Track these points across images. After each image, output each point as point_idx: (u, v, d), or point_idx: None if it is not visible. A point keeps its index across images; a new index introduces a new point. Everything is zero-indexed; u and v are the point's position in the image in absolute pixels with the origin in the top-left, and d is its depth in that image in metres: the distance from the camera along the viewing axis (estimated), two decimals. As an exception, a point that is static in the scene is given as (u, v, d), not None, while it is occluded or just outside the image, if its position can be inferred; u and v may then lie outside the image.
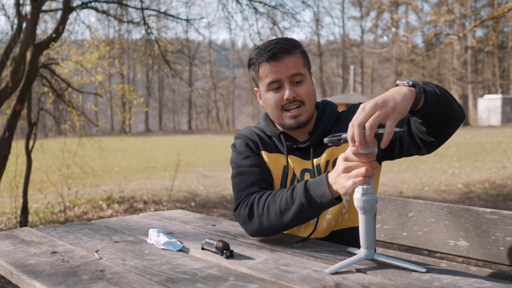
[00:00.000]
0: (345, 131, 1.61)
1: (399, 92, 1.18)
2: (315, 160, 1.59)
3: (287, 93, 1.53)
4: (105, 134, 23.76)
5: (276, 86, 1.55)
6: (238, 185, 1.56)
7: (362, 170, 1.19)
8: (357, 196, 1.19)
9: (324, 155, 1.59)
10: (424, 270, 1.14)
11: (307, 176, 1.59)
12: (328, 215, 1.56)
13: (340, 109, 1.71)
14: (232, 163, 1.64)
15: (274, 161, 1.62)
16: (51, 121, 9.34)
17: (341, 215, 1.58)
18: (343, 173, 1.23)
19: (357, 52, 44.15)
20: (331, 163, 1.58)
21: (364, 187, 1.19)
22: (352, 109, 1.63)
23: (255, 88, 1.67)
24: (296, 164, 1.61)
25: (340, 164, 1.24)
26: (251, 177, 1.55)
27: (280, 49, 1.52)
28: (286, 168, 1.61)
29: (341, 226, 1.57)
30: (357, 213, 1.24)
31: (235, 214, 1.51)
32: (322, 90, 43.35)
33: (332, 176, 1.30)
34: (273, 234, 1.47)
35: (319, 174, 1.57)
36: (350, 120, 1.61)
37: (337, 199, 1.33)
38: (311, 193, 1.35)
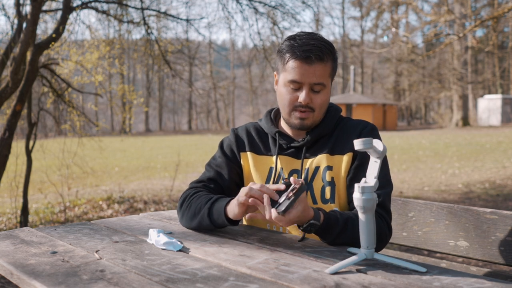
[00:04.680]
0: (343, 141, 1.59)
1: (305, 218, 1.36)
2: (305, 161, 1.59)
3: (303, 98, 1.52)
4: (105, 134, 23.77)
5: (295, 86, 1.53)
6: (199, 176, 1.72)
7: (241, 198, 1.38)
8: (357, 195, 1.19)
9: (315, 160, 1.59)
10: (424, 270, 1.14)
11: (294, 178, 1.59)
12: None
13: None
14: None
15: (260, 163, 1.65)
16: (51, 121, 9.33)
17: None
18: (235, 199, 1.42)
19: (357, 52, 44.15)
20: (321, 171, 1.57)
21: (364, 185, 1.18)
22: (363, 127, 1.60)
23: (275, 72, 1.65)
24: (285, 164, 1.61)
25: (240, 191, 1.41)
26: (207, 174, 1.69)
27: (316, 55, 1.48)
28: (272, 170, 1.62)
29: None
30: None
31: None
32: (322, 90, 43.26)
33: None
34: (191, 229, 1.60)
35: (306, 178, 1.58)
36: (351, 134, 1.58)
37: (230, 222, 1.47)
38: (214, 207, 1.49)
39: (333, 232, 1.39)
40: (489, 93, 38.06)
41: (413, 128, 34.73)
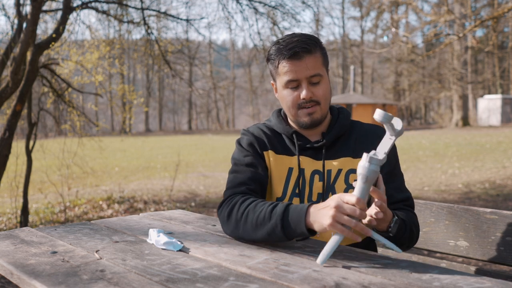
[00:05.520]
0: (364, 144, 1.58)
1: None
2: (326, 163, 1.58)
3: (304, 93, 1.52)
4: (105, 134, 23.78)
5: (294, 85, 1.54)
6: (230, 182, 1.57)
7: (352, 223, 1.19)
8: (363, 163, 1.19)
9: (337, 162, 1.58)
10: (400, 251, 1.26)
11: (316, 179, 1.57)
12: None
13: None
14: (232, 159, 1.64)
15: (280, 162, 1.61)
16: (51, 121, 9.35)
17: None
18: (332, 212, 1.21)
19: (357, 52, 44.18)
20: (344, 173, 1.56)
21: (372, 156, 1.19)
22: (382, 131, 1.57)
23: (272, 81, 1.66)
24: (306, 164, 1.59)
25: (335, 202, 1.21)
26: (243, 176, 1.56)
27: (302, 49, 1.50)
28: (291, 170, 1.59)
29: (345, 242, 1.53)
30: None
31: (218, 213, 1.52)
32: (322, 90, 43.32)
33: (317, 208, 1.27)
34: (247, 241, 1.45)
35: (328, 179, 1.56)
36: (370, 137, 1.59)
37: (310, 231, 1.29)
38: (288, 216, 1.32)
39: (406, 231, 1.44)
40: (489, 93, 38.06)
41: (413, 128, 34.73)
